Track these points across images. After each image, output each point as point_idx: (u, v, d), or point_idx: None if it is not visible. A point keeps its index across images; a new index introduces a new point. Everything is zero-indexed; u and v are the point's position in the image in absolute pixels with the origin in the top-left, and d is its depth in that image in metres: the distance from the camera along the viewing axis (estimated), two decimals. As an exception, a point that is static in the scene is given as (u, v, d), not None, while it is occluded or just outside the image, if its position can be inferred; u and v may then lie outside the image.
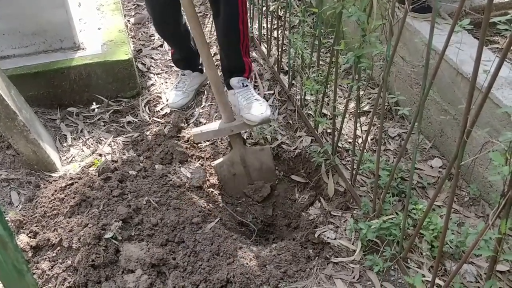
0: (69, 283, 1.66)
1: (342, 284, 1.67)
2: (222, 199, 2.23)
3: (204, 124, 2.52)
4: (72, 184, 2.01)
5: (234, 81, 2.31)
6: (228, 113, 2.18)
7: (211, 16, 3.28)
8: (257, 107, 2.18)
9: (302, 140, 2.35)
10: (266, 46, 2.85)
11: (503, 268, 1.66)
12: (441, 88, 2.11)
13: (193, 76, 2.67)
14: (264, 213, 2.23)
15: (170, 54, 2.80)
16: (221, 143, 2.45)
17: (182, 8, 2.39)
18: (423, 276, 1.62)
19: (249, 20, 3.03)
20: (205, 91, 2.74)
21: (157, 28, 2.51)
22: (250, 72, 2.35)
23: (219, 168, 2.26)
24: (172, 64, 2.82)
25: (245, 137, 2.40)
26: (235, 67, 2.32)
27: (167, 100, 2.64)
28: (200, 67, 2.69)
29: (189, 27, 2.04)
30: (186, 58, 2.62)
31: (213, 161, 2.35)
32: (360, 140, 2.23)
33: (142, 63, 2.94)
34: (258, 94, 2.63)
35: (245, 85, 2.30)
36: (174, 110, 2.60)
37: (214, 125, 2.25)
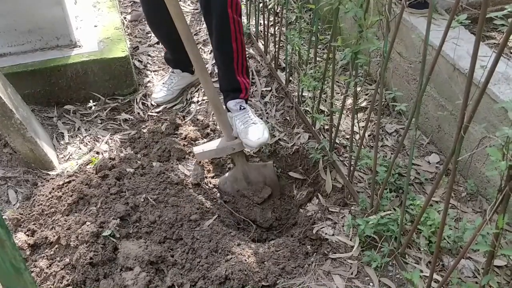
0: (67, 281, 1.66)
1: (340, 280, 1.67)
2: (220, 196, 2.22)
3: (202, 121, 2.52)
4: (69, 182, 2.01)
5: (231, 104, 2.22)
6: (228, 131, 2.17)
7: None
8: (254, 132, 2.11)
9: (299, 136, 2.35)
10: (263, 43, 2.85)
11: (501, 263, 1.67)
12: (438, 84, 2.11)
13: (182, 76, 2.65)
14: (263, 215, 2.21)
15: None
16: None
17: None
18: (421, 271, 1.63)
19: (246, 18, 3.03)
20: (202, 88, 2.73)
21: (152, 30, 2.49)
22: (246, 93, 2.25)
23: (222, 185, 2.25)
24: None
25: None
26: (230, 86, 2.22)
27: (151, 94, 2.66)
28: (191, 68, 2.64)
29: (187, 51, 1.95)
30: (180, 59, 2.57)
31: (211, 159, 2.35)
32: (357, 136, 2.24)
33: (139, 60, 2.93)
34: (257, 92, 2.63)
35: (242, 107, 2.21)
36: (172, 108, 2.59)
37: (215, 143, 2.22)
